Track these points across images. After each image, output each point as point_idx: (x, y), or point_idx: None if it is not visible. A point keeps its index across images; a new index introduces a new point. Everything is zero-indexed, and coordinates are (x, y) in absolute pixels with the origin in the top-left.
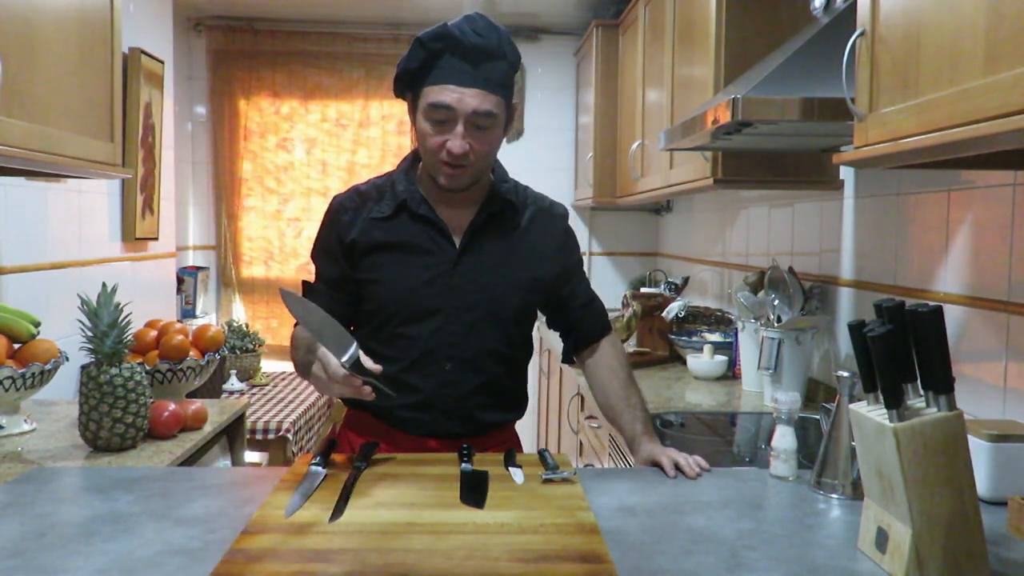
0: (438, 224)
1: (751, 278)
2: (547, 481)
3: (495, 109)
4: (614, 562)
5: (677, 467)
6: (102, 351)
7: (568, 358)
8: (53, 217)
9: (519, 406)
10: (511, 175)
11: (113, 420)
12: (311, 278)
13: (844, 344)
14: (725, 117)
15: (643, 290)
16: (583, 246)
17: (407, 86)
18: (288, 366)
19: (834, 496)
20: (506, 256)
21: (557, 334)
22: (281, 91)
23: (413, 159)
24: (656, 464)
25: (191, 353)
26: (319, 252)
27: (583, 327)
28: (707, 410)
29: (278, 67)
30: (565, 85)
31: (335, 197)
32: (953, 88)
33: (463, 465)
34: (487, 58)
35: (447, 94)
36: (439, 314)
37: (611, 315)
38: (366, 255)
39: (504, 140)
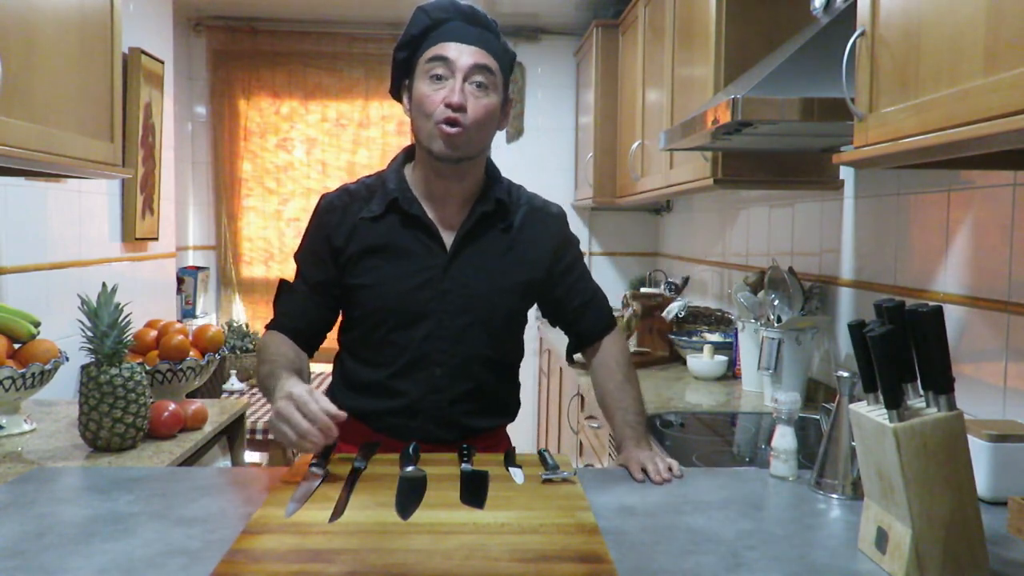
0: (429, 226)
1: (751, 278)
2: (547, 481)
3: (492, 67)
4: (614, 562)
5: (645, 472)
6: (102, 351)
7: (569, 357)
8: (53, 217)
9: (509, 411)
10: (512, 175)
11: (113, 420)
12: None
13: (844, 344)
14: (725, 117)
15: (643, 290)
16: (583, 246)
17: (404, 65)
18: None
19: (834, 496)
20: (498, 260)
21: (560, 332)
22: (281, 91)
23: (404, 157)
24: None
25: (191, 353)
26: (305, 253)
27: (582, 326)
28: (707, 410)
29: (278, 67)
30: (565, 85)
31: (323, 196)
32: (953, 88)
33: (463, 465)
34: (486, 28)
35: (447, 49)
36: (429, 319)
37: None
38: (356, 260)
39: (505, 138)
